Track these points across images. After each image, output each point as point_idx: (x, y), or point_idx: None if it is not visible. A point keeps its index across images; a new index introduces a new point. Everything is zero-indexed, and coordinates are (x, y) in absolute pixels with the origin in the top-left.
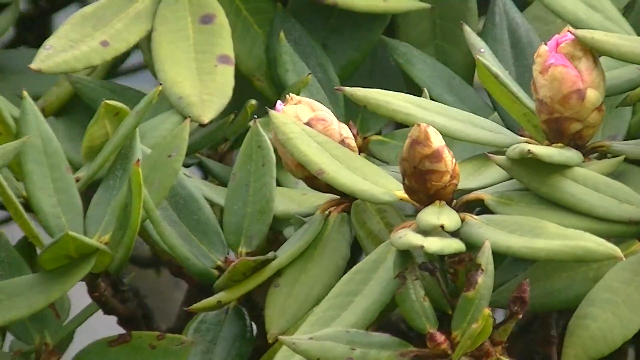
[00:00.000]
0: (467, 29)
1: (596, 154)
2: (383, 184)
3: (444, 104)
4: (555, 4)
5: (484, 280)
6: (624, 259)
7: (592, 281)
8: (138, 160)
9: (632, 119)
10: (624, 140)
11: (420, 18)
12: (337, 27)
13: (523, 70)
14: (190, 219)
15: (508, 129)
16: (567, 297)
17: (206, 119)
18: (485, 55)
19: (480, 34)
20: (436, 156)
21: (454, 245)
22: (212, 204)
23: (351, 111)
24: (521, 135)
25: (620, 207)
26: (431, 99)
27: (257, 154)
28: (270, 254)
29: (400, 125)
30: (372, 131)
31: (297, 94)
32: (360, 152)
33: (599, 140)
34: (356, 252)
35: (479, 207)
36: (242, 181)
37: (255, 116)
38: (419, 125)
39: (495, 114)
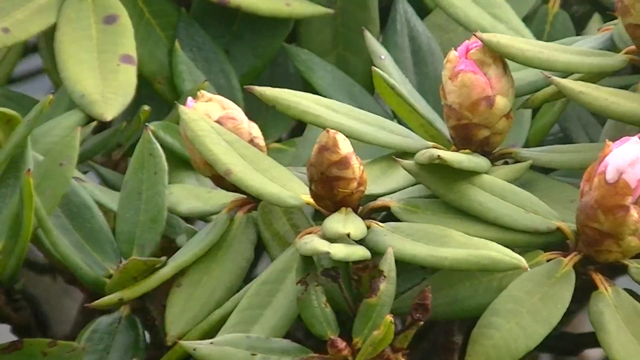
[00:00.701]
0: (368, 35)
1: (503, 161)
2: (291, 187)
3: None
4: (459, 13)
5: (386, 287)
6: (529, 269)
7: (495, 291)
8: (29, 169)
9: (533, 126)
10: (522, 147)
11: (322, 26)
12: (240, 34)
13: (423, 78)
14: (83, 227)
15: None
16: (470, 306)
17: (109, 116)
18: (385, 61)
19: (382, 42)
20: (344, 163)
21: (359, 252)
22: (108, 211)
23: (251, 118)
24: None
25: (526, 216)
26: None
27: (149, 162)
28: (162, 259)
29: (299, 133)
30: (272, 139)
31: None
32: None
33: (508, 147)
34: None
35: (384, 212)
36: (134, 189)
37: (147, 124)
38: (327, 131)
39: (395, 122)
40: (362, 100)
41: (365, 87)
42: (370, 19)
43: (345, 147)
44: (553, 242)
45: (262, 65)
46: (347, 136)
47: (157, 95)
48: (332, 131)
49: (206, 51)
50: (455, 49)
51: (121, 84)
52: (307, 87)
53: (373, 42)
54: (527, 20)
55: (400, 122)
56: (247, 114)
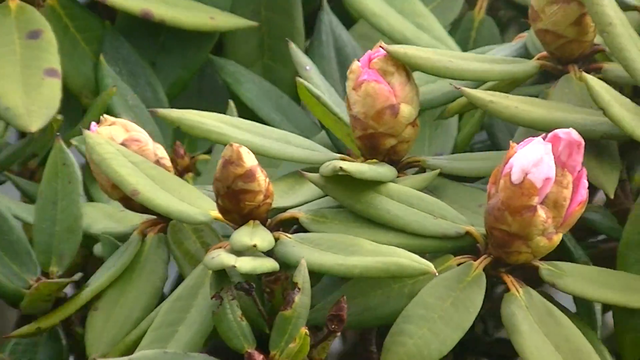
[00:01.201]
0: (293, 46)
1: (413, 169)
2: (199, 204)
3: (272, 123)
4: (382, 23)
5: (301, 298)
6: (437, 274)
7: (407, 297)
8: None
9: (458, 135)
10: None
11: (247, 36)
12: (166, 46)
13: None
14: (2, 240)
15: (335, 147)
16: (383, 314)
17: (33, 128)
18: (311, 72)
19: (307, 52)
20: (249, 176)
21: (267, 264)
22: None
23: (179, 130)
24: (348, 155)
25: (435, 222)
26: (259, 118)
27: (62, 172)
28: (76, 276)
29: None
30: (200, 150)
31: (107, 113)
32: (188, 171)
33: (425, 156)
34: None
35: (295, 226)
36: (49, 199)
37: (58, 133)
38: (231, 145)
39: (323, 132)
40: (289, 111)
41: (293, 96)
42: (296, 29)
43: (249, 159)
44: (463, 246)
45: (188, 76)
46: (253, 152)
47: None
48: (235, 145)
49: (132, 64)
50: (359, 59)
51: (46, 97)
52: (235, 98)
53: (298, 54)
54: (453, 27)
55: (327, 131)
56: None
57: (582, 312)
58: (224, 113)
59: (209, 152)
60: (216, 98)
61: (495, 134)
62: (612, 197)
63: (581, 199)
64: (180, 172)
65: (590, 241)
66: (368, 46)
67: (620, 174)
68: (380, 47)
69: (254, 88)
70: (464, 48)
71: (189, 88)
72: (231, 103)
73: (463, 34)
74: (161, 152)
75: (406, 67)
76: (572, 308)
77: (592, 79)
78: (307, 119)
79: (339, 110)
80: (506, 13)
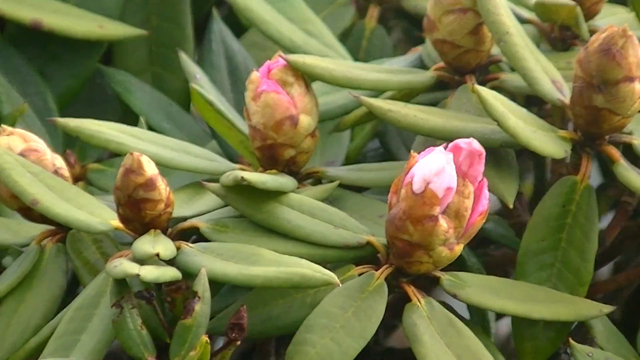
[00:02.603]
0: (182, 55)
1: (311, 180)
2: (98, 213)
3: (162, 132)
4: (272, 30)
5: (201, 307)
6: (340, 284)
7: (309, 307)
8: None
9: (350, 145)
10: (342, 165)
11: (137, 45)
12: (55, 55)
13: (241, 97)
14: None
15: (227, 156)
16: (285, 324)
17: None
18: (200, 81)
19: (198, 61)
20: (150, 185)
21: (170, 273)
22: None
23: (70, 139)
24: (240, 163)
25: (336, 232)
26: (149, 127)
27: None
28: None
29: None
30: (91, 159)
31: (13, 125)
32: (79, 180)
33: (315, 166)
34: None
35: (196, 235)
36: None
37: None
38: (131, 154)
39: (214, 141)
40: (179, 119)
41: (182, 105)
42: (185, 38)
43: (150, 168)
44: (364, 256)
45: (78, 85)
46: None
47: None
48: (136, 153)
49: (22, 74)
50: (258, 69)
51: None
52: (125, 107)
53: (188, 63)
54: (343, 35)
55: (218, 141)
56: (64, 135)
57: (476, 319)
58: (115, 122)
59: (99, 160)
60: (107, 107)
61: (387, 142)
62: (511, 206)
63: (482, 209)
64: (72, 181)
65: (483, 249)
66: (258, 55)
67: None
68: (280, 57)
69: (145, 97)
70: (355, 56)
71: (80, 98)
72: (141, 119)
73: (354, 43)
74: (59, 162)
75: (305, 78)
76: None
77: (484, 91)
78: (197, 127)
79: (232, 117)
80: (397, 22)
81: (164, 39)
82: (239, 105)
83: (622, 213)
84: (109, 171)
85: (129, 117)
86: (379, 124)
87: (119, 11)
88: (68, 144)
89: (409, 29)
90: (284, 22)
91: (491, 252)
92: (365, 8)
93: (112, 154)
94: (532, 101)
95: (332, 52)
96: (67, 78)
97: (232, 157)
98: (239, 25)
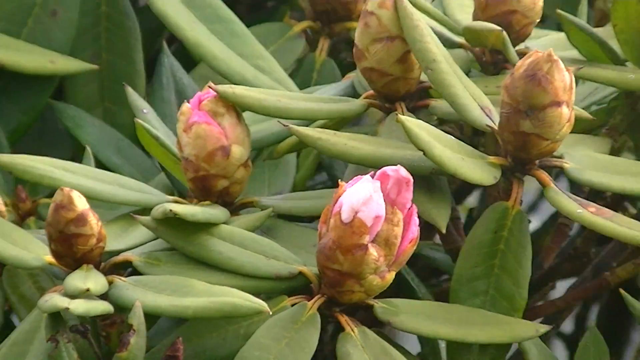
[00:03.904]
0: (129, 90)
1: (246, 210)
2: (32, 249)
3: (113, 166)
4: (222, 65)
5: (136, 340)
6: (270, 312)
7: (243, 339)
8: None
9: (296, 175)
10: None
11: (88, 80)
12: (6, 90)
13: None
14: None
15: (176, 188)
16: (220, 356)
17: None
18: (147, 116)
19: (148, 95)
20: (81, 220)
21: (101, 307)
22: None
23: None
24: (189, 195)
25: (268, 263)
26: (99, 161)
27: None
28: None
29: None
30: (42, 194)
31: None
32: (30, 215)
33: (265, 196)
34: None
35: (130, 268)
36: None
37: None
38: (62, 189)
39: (162, 174)
40: (130, 154)
41: (134, 139)
42: (136, 72)
43: (81, 203)
44: (297, 286)
45: (29, 121)
46: (85, 196)
47: None
48: (66, 189)
49: None
50: (188, 101)
51: None
52: (76, 142)
53: (135, 97)
54: (294, 68)
55: (167, 173)
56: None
57: (427, 350)
58: (68, 157)
59: (50, 195)
60: (58, 142)
61: (335, 174)
62: (443, 231)
63: (412, 236)
64: (23, 216)
65: (434, 280)
66: None
67: (452, 212)
68: (210, 87)
69: (95, 131)
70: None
71: (30, 133)
72: (88, 149)
73: (305, 76)
74: None
75: (236, 108)
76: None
77: (408, 121)
78: (148, 161)
79: (177, 152)
80: (347, 55)
81: (114, 74)
82: None
83: (559, 235)
84: None
85: (81, 152)
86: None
87: (69, 46)
88: (19, 179)
89: None
90: (234, 57)
91: (443, 282)
92: (316, 41)
93: None
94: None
95: (282, 87)
96: (18, 113)
97: (180, 189)
98: (189, 58)
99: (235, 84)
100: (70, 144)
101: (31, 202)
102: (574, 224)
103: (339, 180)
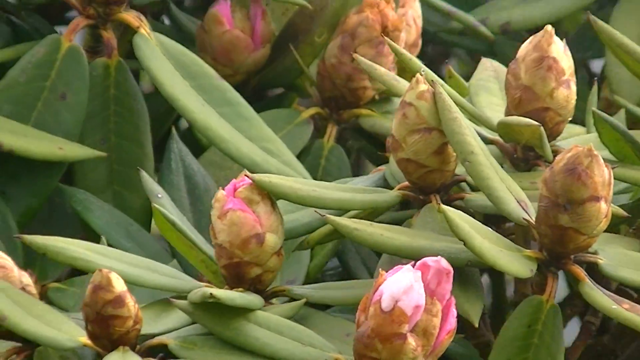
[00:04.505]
0: (144, 174)
1: (277, 298)
2: (66, 330)
3: (123, 250)
4: (231, 148)
5: None
6: None
7: None
8: None
9: (310, 264)
10: (303, 284)
11: (97, 164)
12: (15, 174)
13: (200, 215)
14: None
15: (188, 274)
16: None
17: None
18: (162, 200)
19: (157, 180)
20: (118, 301)
21: None
22: None
23: (30, 259)
24: (200, 281)
25: (304, 349)
26: (109, 245)
27: None
28: None
29: (79, 272)
30: (51, 278)
31: None
32: (40, 299)
33: (278, 284)
34: None
35: (163, 353)
36: None
37: None
38: (100, 270)
39: (174, 260)
40: (139, 238)
41: (142, 223)
42: (145, 156)
43: (119, 285)
44: None
45: (38, 205)
46: None
47: None
48: (105, 270)
49: None
50: (224, 188)
51: None
52: (85, 226)
53: (149, 182)
54: (302, 154)
55: (179, 260)
56: (24, 254)
57: None
58: None
59: (58, 280)
60: (66, 227)
61: (347, 261)
62: (476, 325)
63: (450, 328)
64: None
65: None
66: (217, 173)
67: None
68: (246, 175)
69: (104, 215)
70: (314, 175)
71: (38, 217)
72: (103, 239)
73: (313, 161)
74: (26, 279)
75: (271, 197)
76: None
77: (450, 211)
78: (157, 245)
79: (194, 237)
80: (355, 143)
81: (123, 158)
82: (199, 223)
83: (585, 332)
84: (69, 290)
85: (89, 236)
86: (339, 243)
87: (79, 129)
88: (28, 263)
89: (367, 148)
90: (243, 140)
91: None
92: (324, 127)
93: (70, 274)
94: (490, 220)
95: (291, 170)
96: (27, 197)
97: (192, 276)
98: (197, 144)
99: (244, 167)
100: (79, 228)
101: (40, 287)
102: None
103: (379, 269)
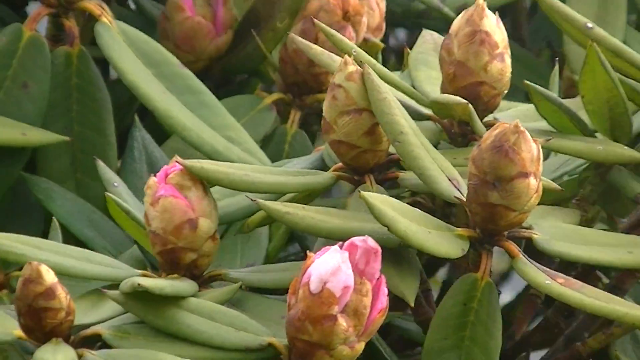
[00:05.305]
0: (100, 163)
1: (214, 282)
2: (2, 323)
3: (85, 239)
4: (193, 136)
5: None
6: None
7: None
8: None
9: (269, 246)
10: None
11: (60, 153)
12: None
13: None
14: None
15: (148, 261)
16: None
17: None
18: (118, 189)
19: (120, 169)
20: (49, 294)
21: None
22: None
23: None
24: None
25: (237, 335)
26: (71, 234)
27: None
28: None
29: None
30: (15, 267)
31: None
32: (2, 288)
33: (236, 268)
34: None
35: (100, 342)
36: None
37: None
38: (30, 263)
39: (135, 246)
40: (102, 226)
41: (106, 212)
42: (108, 145)
43: (49, 277)
44: (267, 358)
45: (1, 194)
46: (54, 272)
47: None
48: (35, 263)
49: None
50: (155, 175)
51: None
52: (48, 215)
53: (106, 171)
54: (265, 140)
55: (139, 246)
56: None
57: None
58: (40, 230)
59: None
60: (30, 215)
61: (307, 245)
62: (412, 305)
63: (381, 307)
64: None
65: (408, 352)
66: None
67: (423, 284)
68: (176, 162)
69: (67, 204)
70: (278, 161)
71: (1, 206)
72: (55, 221)
73: (276, 147)
74: None
75: (203, 182)
76: None
77: (372, 197)
78: (121, 233)
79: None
80: (319, 127)
81: (86, 147)
82: None
83: (530, 307)
84: None
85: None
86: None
87: (41, 118)
88: None
89: None
90: (205, 128)
91: (417, 354)
92: (287, 113)
93: None
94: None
95: (253, 158)
96: None
97: (152, 261)
98: (161, 131)
99: (206, 154)
100: (42, 216)
101: (3, 275)
102: (544, 294)
103: (307, 251)
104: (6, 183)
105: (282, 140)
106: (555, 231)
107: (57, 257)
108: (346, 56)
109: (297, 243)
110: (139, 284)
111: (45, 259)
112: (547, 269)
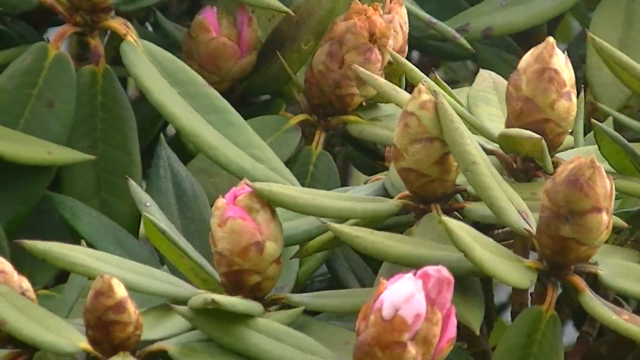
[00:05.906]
0: (132, 183)
1: (277, 306)
2: (66, 335)
3: None
4: (219, 155)
5: None
6: None
7: None
8: None
9: (300, 269)
10: (291, 291)
11: (84, 171)
12: (2, 181)
13: (189, 222)
14: None
15: None
16: None
17: None
18: (150, 209)
19: (146, 188)
20: (120, 307)
21: None
22: None
23: (19, 265)
24: None
25: (304, 357)
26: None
27: None
28: None
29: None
30: (40, 284)
31: None
32: None
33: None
34: None
35: (163, 359)
36: None
37: None
38: (102, 276)
39: (165, 266)
40: (127, 244)
41: (130, 230)
42: (133, 163)
43: (120, 291)
44: None
45: (26, 212)
46: None
47: None
48: (106, 276)
49: None
50: (223, 196)
51: None
52: (73, 233)
53: (137, 190)
54: (290, 161)
55: (169, 266)
56: (12, 261)
57: None
58: None
59: (46, 287)
60: (54, 234)
61: (335, 268)
62: (477, 333)
63: (450, 336)
64: None
65: None
66: (205, 180)
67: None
68: (245, 184)
69: (93, 222)
70: (302, 181)
71: (26, 224)
72: (83, 242)
73: (301, 168)
74: (26, 284)
75: (271, 205)
76: None
77: (450, 222)
78: (146, 252)
79: (184, 245)
80: (342, 149)
81: (111, 165)
82: (187, 230)
83: (582, 343)
84: (57, 297)
85: (77, 244)
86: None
87: (66, 137)
88: (17, 269)
89: (355, 154)
90: (232, 147)
91: None
92: (312, 134)
93: (58, 281)
94: (481, 230)
95: (279, 177)
96: (14, 204)
97: None
98: (185, 151)
99: (233, 173)
100: (67, 235)
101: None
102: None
103: (379, 278)
104: (32, 201)
105: (307, 161)
106: (620, 268)
107: (122, 272)
108: (420, 84)
109: (325, 264)
110: (212, 300)
111: (111, 272)
112: (613, 305)
